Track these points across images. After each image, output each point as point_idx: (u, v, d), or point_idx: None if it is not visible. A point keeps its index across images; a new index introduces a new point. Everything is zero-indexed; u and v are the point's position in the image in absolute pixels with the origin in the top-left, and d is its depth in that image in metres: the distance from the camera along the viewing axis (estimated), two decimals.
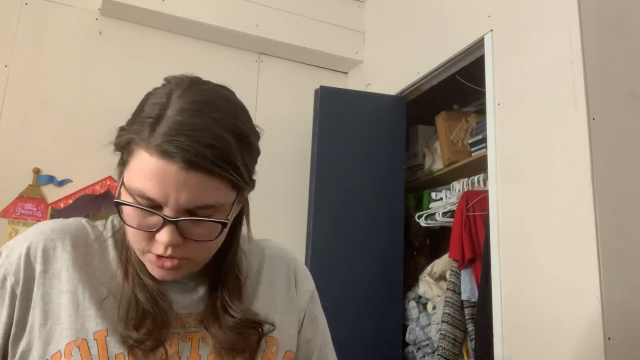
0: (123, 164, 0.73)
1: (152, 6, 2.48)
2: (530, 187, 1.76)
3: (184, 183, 0.67)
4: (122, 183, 0.72)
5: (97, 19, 2.51)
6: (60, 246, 0.77)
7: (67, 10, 2.46)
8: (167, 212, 0.69)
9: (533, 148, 1.77)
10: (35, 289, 0.74)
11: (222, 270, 0.80)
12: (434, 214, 2.49)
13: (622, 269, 1.52)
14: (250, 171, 0.75)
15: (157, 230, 0.70)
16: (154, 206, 0.70)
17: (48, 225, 0.79)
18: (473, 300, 2.12)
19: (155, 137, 0.68)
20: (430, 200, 2.62)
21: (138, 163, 0.69)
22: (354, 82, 2.96)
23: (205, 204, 0.70)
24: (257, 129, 0.78)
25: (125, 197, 0.71)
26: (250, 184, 0.76)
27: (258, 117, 3.45)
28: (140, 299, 0.74)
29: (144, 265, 0.77)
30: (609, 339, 1.44)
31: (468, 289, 2.13)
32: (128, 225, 0.72)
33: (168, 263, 0.72)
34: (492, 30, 2.03)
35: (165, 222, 0.69)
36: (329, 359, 0.90)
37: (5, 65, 2.32)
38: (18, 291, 0.74)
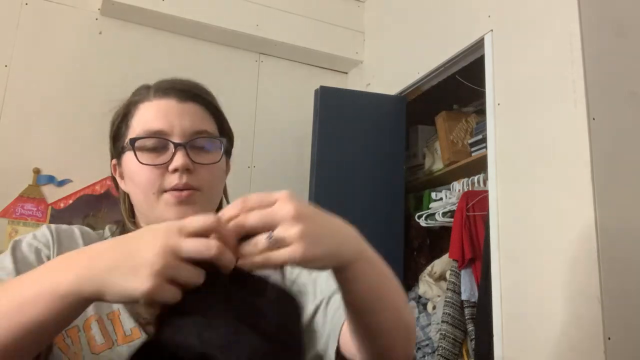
0: (124, 127, 0.86)
1: (152, 6, 2.48)
2: (530, 187, 1.76)
3: (182, 111, 0.84)
4: (128, 142, 0.84)
5: (97, 19, 2.51)
6: (67, 238, 0.85)
7: (67, 10, 2.46)
8: (175, 139, 0.82)
9: (533, 148, 1.77)
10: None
11: None
12: (434, 214, 2.49)
13: (622, 269, 1.52)
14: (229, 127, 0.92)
15: (170, 161, 0.80)
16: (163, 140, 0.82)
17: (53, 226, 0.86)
18: (473, 300, 2.12)
19: (152, 91, 0.86)
20: (430, 200, 2.62)
21: (140, 114, 0.85)
22: (354, 82, 2.96)
23: (203, 129, 0.85)
24: None
25: (132, 153, 0.83)
26: (231, 137, 0.92)
27: (258, 117, 3.41)
28: None
29: None
30: (609, 339, 1.44)
31: (468, 289, 2.13)
32: (143, 164, 0.81)
33: (184, 193, 0.81)
34: (492, 30, 2.03)
35: (177, 147, 0.81)
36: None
37: (5, 65, 2.31)
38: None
